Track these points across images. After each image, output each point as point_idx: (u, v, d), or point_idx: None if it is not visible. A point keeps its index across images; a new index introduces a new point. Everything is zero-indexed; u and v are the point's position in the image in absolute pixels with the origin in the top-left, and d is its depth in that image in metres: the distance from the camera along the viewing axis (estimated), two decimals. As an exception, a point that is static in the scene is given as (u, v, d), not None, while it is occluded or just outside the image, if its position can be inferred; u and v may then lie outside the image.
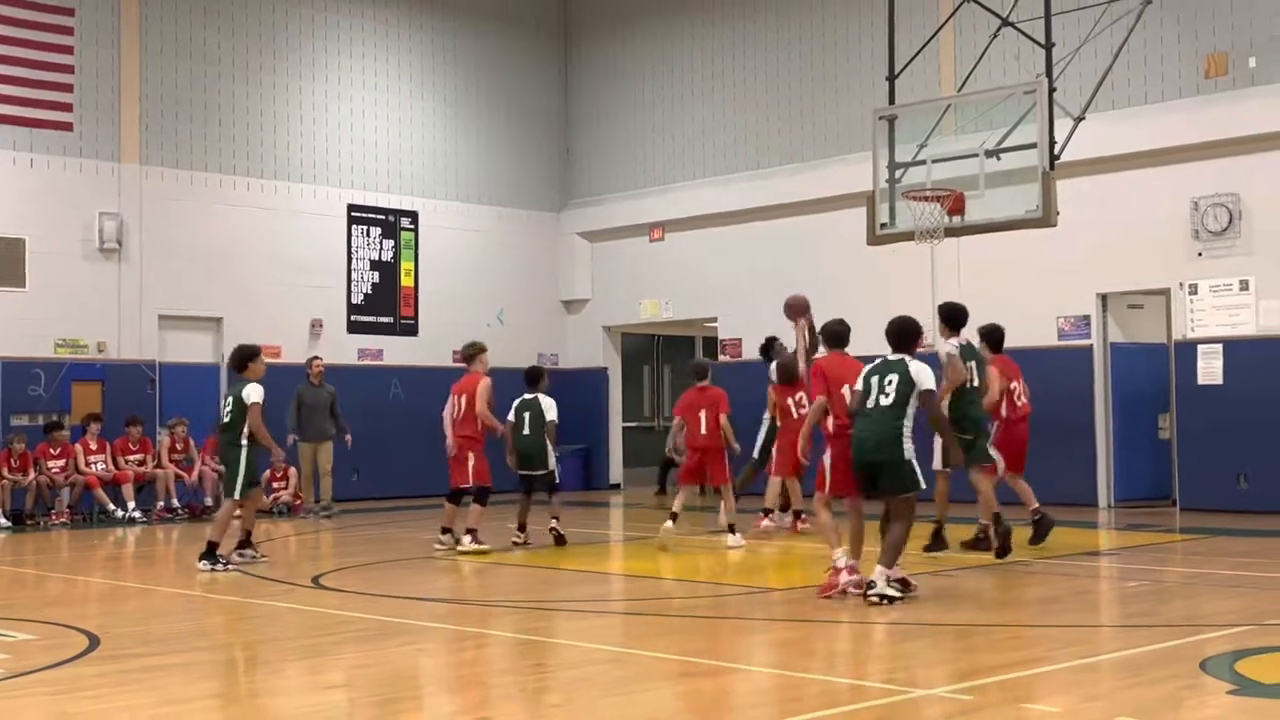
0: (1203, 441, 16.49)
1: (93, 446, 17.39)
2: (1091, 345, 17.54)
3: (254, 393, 11.98)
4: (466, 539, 12.68)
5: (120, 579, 12.13)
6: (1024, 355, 15.42)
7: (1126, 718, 5.65)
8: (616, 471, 23.55)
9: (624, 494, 22.41)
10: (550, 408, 13.36)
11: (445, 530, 13.14)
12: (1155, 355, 17.52)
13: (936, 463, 11.44)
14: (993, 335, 12.57)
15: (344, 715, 6.29)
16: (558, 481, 13.65)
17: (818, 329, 12.23)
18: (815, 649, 7.99)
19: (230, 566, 11.74)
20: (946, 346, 11.75)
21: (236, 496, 11.99)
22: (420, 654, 7.82)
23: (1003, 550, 11.30)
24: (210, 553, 11.75)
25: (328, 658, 7.83)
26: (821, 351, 10.99)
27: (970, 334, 12.32)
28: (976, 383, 11.72)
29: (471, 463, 12.91)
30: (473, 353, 13.45)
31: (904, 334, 9.50)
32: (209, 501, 17.84)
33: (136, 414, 17.89)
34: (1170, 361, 16.99)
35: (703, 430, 13.31)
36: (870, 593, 8.91)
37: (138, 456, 17.67)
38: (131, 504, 17.19)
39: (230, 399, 12.18)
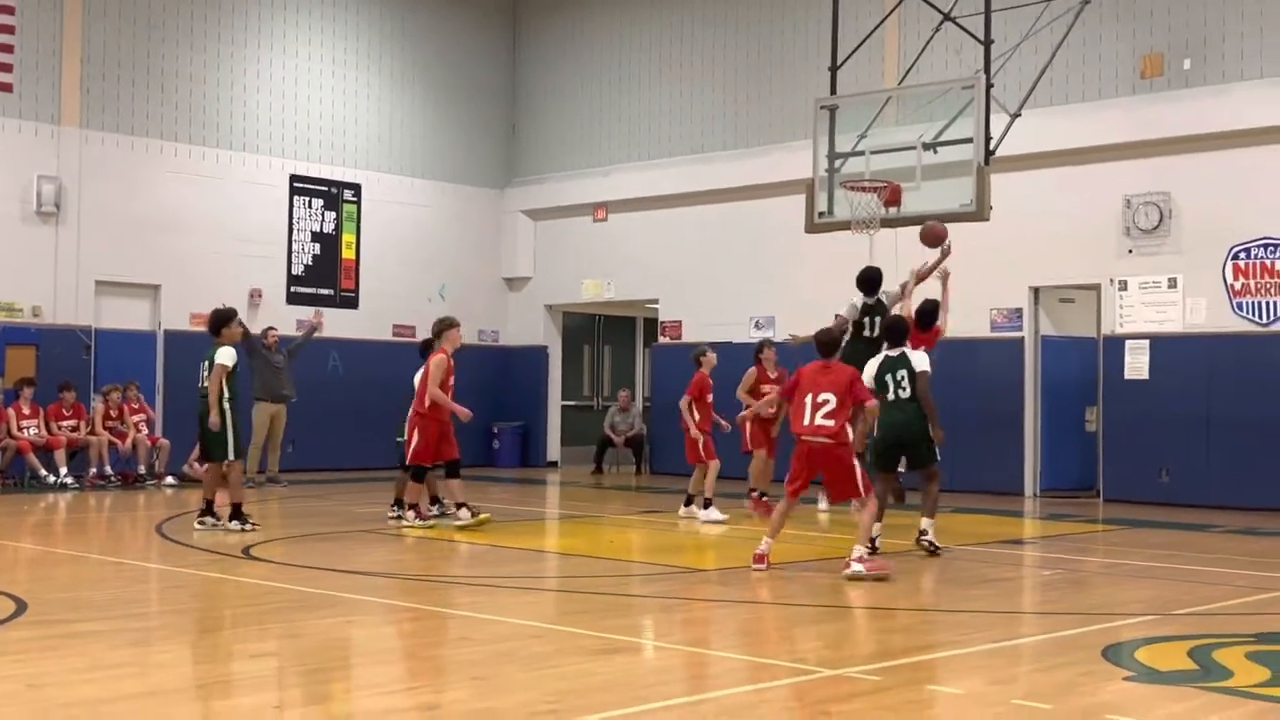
0: (1127, 435, 16.86)
1: (25, 411, 17.29)
2: (1023, 337, 17.86)
3: (224, 355, 12.14)
4: (464, 513, 12.69)
5: (50, 545, 12.12)
6: (957, 346, 15.75)
7: (1023, 701, 5.86)
8: (554, 450, 23.69)
9: (561, 472, 22.56)
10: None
11: (396, 503, 13.31)
12: (1084, 349, 17.88)
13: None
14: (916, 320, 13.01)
15: (270, 684, 6.39)
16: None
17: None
18: (731, 629, 8.18)
19: (251, 526, 12.05)
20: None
21: (232, 458, 12.18)
22: (348, 626, 7.92)
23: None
24: (237, 513, 12.11)
25: (255, 627, 7.93)
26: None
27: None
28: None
29: (414, 443, 12.84)
30: (440, 328, 13.27)
31: (898, 331, 11.31)
32: (141, 470, 17.80)
33: (70, 379, 17.80)
34: (1099, 355, 17.35)
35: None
36: (924, 539, 10.94)
37: (71, 422, 17.59)
38: (64, 470, 17.12)
39: (206, 363, 12.30)
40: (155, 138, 19.72)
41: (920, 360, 10.98)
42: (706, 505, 13.84)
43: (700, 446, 14.03)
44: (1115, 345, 17.01)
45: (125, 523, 14.13)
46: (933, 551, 10.89)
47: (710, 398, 14.25)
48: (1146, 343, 16.76)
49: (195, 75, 20.20)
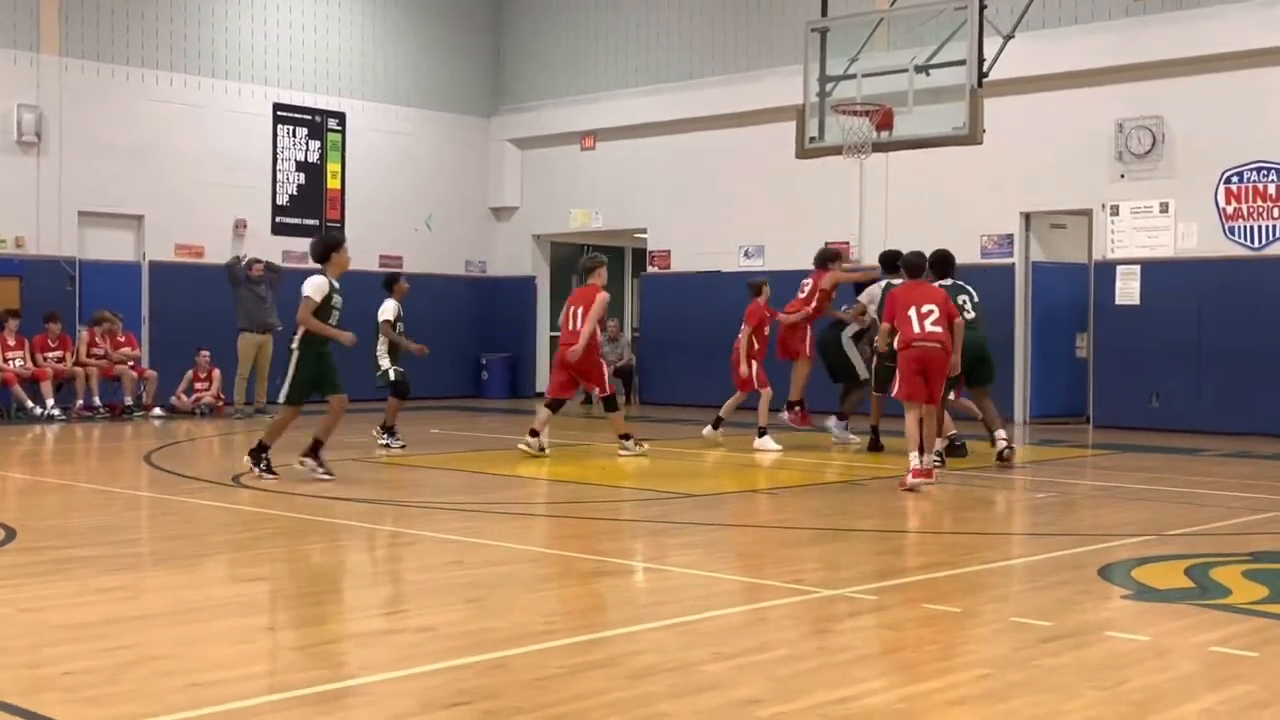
0: (1118, 361, 16.85)
1: (10, 343, 17.16)
2: (1014, 264, 17.79)
3: (308, 286, 10.95)
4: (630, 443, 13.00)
5: (39, 475, 12.04)
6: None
7: (1021, 618, 5.84)
8: (543, 380, 23.56)
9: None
10: (383, 309, 13.96)
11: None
12: (1075, 275, 17.82)
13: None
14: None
15: (262, 608, 6.35)
16: (389, 384, 13.97)
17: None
18: (727, 552, 8.15)
19: (272, 475, 10.71)
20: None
21: (281, 400, 10.97)
22: (339, 550, 7.89)
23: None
24: (257, 451, 10.85)
25: (246, 552, 7.88)
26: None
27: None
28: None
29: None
30: (591, 265, 13.33)
31: (947, 261, 12.40)
32: (128, 401, 17.70)
33: (56, 310, 17.65)
34: (1090, 281, 17.29)
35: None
36: (1006, 450, 12.08)
37: (57, 354, 17.47)
38: (50, 401, 17.02)
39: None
40: (136, 65, 19.44)
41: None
42: (762, 434, 13.82)
43: (754, 375, 13.95)
44: (1106, 271, 16.95)
45: (113, 453, 14.05)
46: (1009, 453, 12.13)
47: (767, 329, 14.19)
48: (1138, 268, 16.70)
49: (176, 2, 19.88)
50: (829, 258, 14.85)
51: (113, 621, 5.74)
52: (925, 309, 10.63)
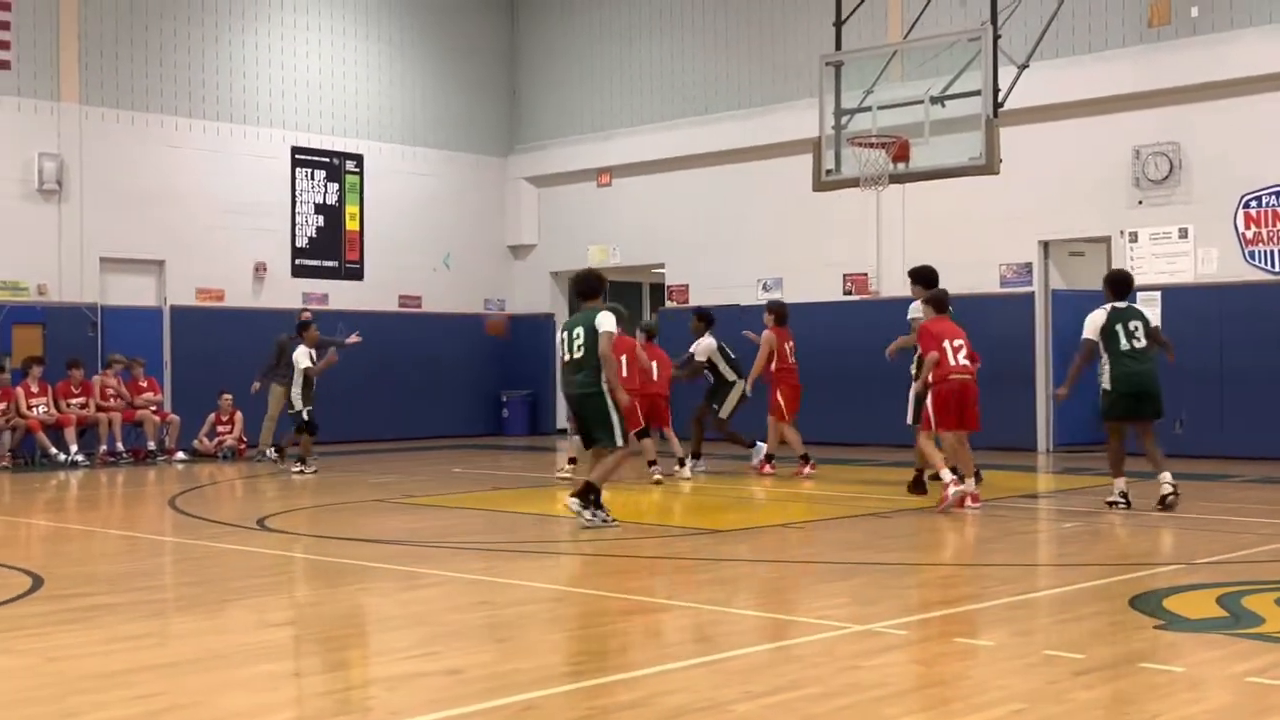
0: (1140, 387, 16.71)
1: (34, 390, 17.23)
2: (1033, 292, 17.75)
3: (607, 321, 10.14)
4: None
5: (63, 521, 12.06)
6: (967, 302, 15.60)
7: (1055, 651, 5.79)
8: (563, 417, 23.57)
9: (570, 439, 22.46)
10: (299, 356, 15.81)
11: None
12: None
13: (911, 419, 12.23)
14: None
15: (288, 653, 6.34)
16: (302, 424, 15.85)
17: None
18: (754, 588, 8.11)
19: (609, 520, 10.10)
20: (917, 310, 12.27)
21: (619, 444, 10.12)
22: (365, 593, 7.87)
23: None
24: (585, 494, 10.10)
25: (271, 597, 7.87)
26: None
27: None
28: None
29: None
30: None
31: (1126, 283, 11.44)
32: (151, 446, 17.74)
33: (78, 357, 17.73)
34: (1110, 308, 17.19)
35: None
36: (1170, 497, 10.81)
37: (80, 400, 17.53)
38: (74, 447, 17.07)
39: (580, 329, 10.19)
40: (155, 112, 19.60)
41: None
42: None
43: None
44: (1127, 298, 16.86)
45: (137, 498, 14.08)
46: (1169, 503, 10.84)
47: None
48: (1158, 294, 16.64)
49: (193, 48, 20.06)
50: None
51: (141, 669, 5.73)
52: (956, 343, 11.16)
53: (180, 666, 5.83)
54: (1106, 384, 11.00)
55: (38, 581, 7.93)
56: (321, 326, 19.47)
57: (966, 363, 11.23)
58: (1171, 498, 10.86)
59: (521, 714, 4.95)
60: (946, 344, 11.18)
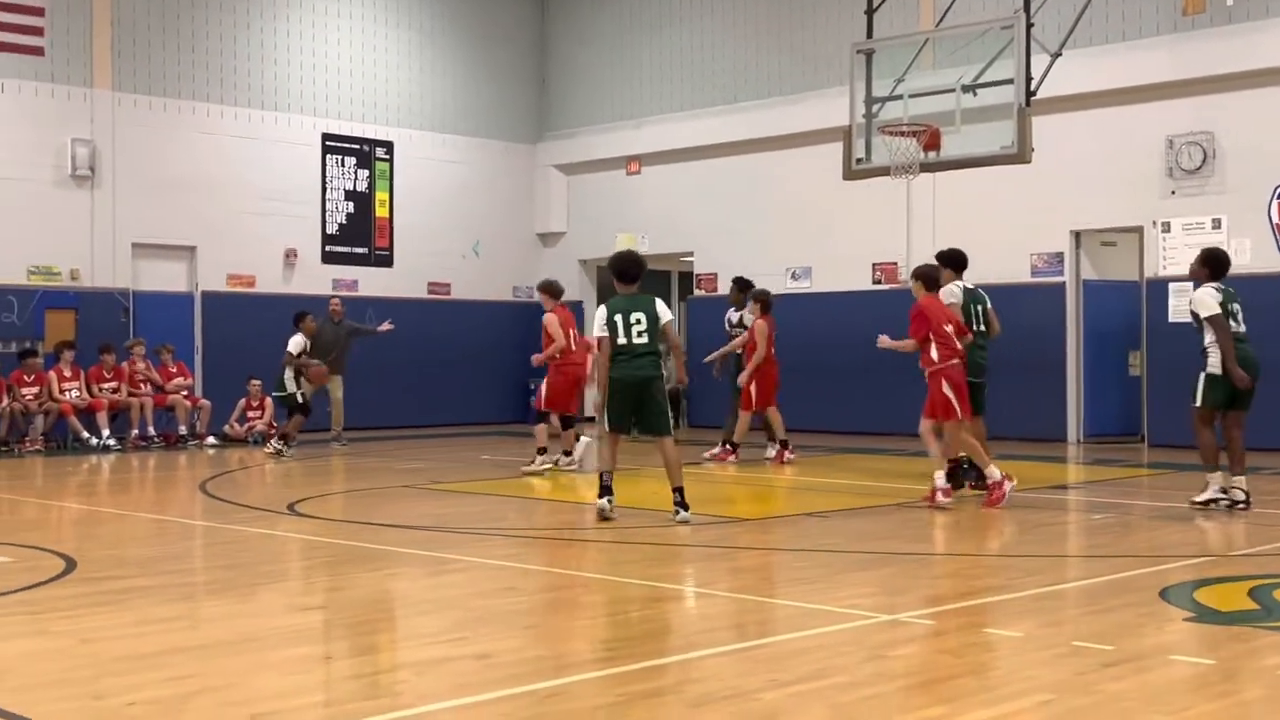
0: (1172, 378, 16.57)
1: (66, 374, 17.37)
2: (1064, 282, 17.66)
3: (666, 309, 10.24)
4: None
5: (95, 505, 12.16)
6: (997, 291, 15.50)
7: (1084, 642, 5.77)
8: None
9: (598, 426, 22.48)
10: (291, 343, 16.65)
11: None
12: (1127, 292, 17.66)
13: None
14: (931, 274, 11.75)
15: (318, 636, 6.38)
16: (297, 405, 16.66)
17: None
18: (780, 576, 8.11)
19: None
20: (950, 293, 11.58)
21: (671, 433, 10.17)
22: (394, 578, 7.91)
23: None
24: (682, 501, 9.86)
25: (302, 581, 7.93)
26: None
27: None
28: (983, 328, 11.68)
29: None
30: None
31: (1225, 263, 10.78)
32: (182, 430, 17.87)
33: (110, 341, 17.86)
34: (1142, 299, 17.13)
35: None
36: (1243, 502, 10.15)
37: (112, 384, 17.66)
38: (106, 432, 17.20)
39: (641, 315, 9.99)
40: (187, 99, 19.69)
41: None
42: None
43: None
44: (1159, 288, 16.79)
45: (168, 482, 14.18)
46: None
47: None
48: (1191, 285, 16.46)
49: (225, 35, 20.13)
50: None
51: (173, 651, 5.78)
52: (946, 328, 10.80)
53: (212, 649, 5.88)
54: (1216, 368, 10.28)
55: (71, 564, 8.01)
56: (351, 314, 19.58)
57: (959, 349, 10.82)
58: (1243, 505, 10.17)
59: (549, 700, 4.97)
60: (949, 327, 10.78)
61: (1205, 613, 6.57)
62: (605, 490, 10.02)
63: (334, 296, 19.02)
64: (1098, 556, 8.68)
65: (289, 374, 16.60)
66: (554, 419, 14.22)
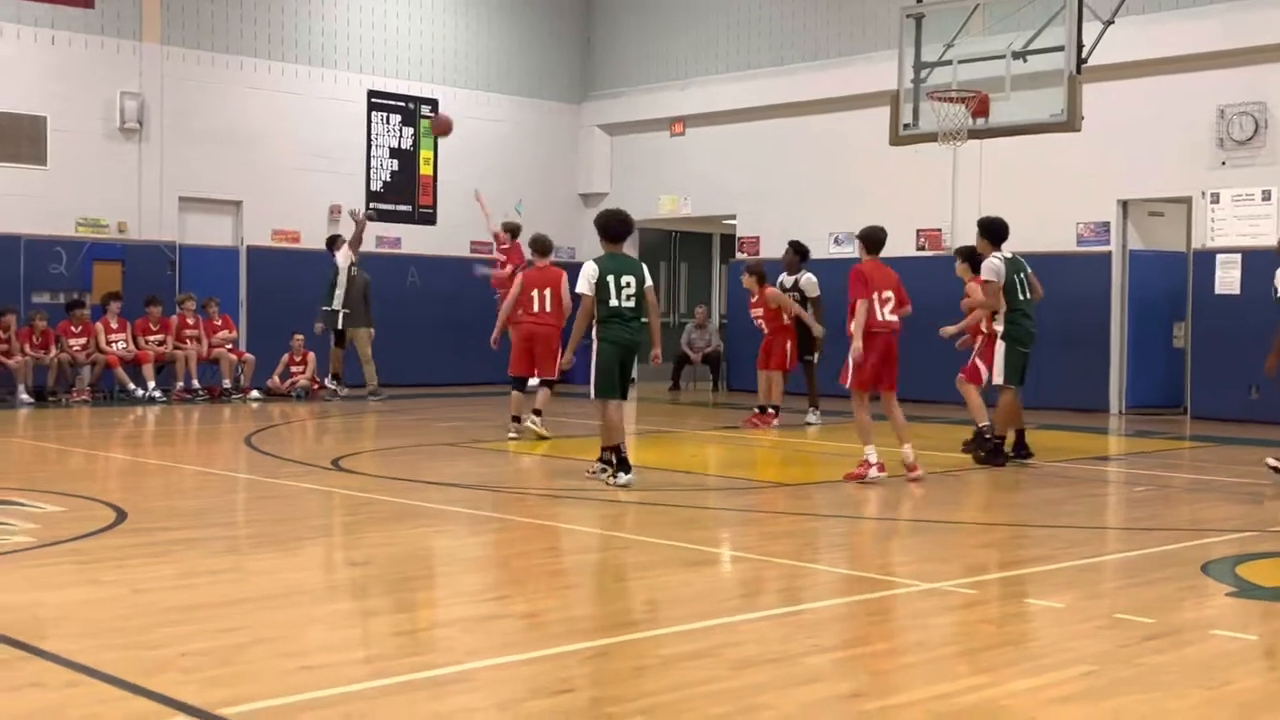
0: (1217, 351, 16.53)
1: (113, 326, 17.55)
2: (1110, 252, 17.53)
3: (646, 272, 10.18)
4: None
5: (142, 456, 12.32)
6: (1042, 260, 15.43)
7: (1125, 614, 5.79)
8: (631, 367, 23.65)
9: (638, 389, 22.52)
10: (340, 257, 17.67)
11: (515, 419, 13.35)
12: (1173, 263, 17.51)
13: (999, 378, 11.55)
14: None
15: (365, 592, 6.47)
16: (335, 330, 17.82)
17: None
18: (822, 542, 8.15)
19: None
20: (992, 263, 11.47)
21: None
22: (437, 535, 8.00)
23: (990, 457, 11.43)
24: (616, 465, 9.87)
25: (347, 536, 8.03)
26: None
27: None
28: (1028, 295, 11.56)
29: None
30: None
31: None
32: (226, 384, 18.04)
33: (156, 294, 18.02)
34: (1188, 270, 16.99)
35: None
36: None
37: (158, 337, 17.84)
38: (151, 384, 17.40)
39: (631, 279, 9.93)
40: (235, 54, 19.75)
41: None
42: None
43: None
44: (1206, 260, 16.64)
45: (213, 435, 14.34)
46: None
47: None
48: (1239, 257, 16.36)
49: (273, -10, 20.16)
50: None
51: (223, 603, 5.88)
52: (885, 295, 10.36)
53: (260, 602, 5.98)
54: None
55: (121, 515, 8.14)
56: (392, 269, 19.63)
57: (894, 318, 10.38)
58: None
59: (594, 659, 5.03)
60: (875, 295, 10.31)
61: (1247, 588, 6.56)
62: (624, 465, 9.78)
63: (373, 254, 19.01)
64: (1139, 529, 8.67)
65: (340, 291, 17.83)
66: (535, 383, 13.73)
